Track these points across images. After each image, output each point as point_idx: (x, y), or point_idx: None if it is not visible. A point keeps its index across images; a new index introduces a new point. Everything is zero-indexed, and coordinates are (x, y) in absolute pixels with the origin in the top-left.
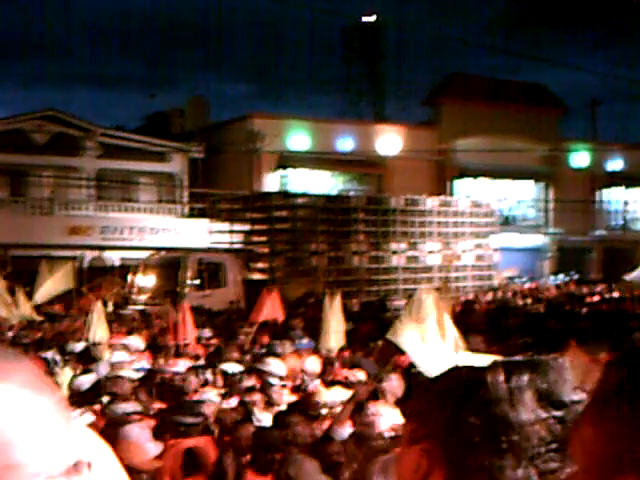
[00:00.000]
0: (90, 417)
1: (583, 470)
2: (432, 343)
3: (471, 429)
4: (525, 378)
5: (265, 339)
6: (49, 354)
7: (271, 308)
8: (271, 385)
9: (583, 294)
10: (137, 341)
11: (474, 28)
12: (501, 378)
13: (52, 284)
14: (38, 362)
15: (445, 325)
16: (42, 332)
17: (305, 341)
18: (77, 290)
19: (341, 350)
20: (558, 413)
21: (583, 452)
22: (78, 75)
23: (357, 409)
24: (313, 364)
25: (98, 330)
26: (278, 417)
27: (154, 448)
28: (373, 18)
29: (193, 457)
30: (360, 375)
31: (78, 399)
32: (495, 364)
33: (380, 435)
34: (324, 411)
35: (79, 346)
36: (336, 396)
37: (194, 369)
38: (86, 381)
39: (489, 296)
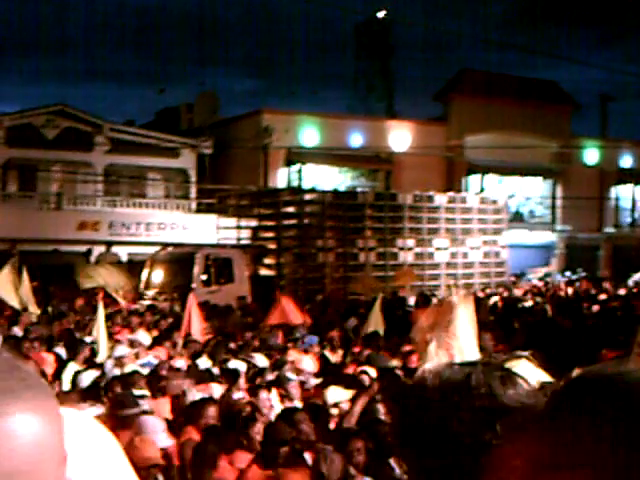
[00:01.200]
0: (98, 410)
1: None
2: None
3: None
4: (456, 381)
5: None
6: (59, 350)
7: (286, 311)
8: (288, 380)
9: (595, 292)
10: (144, 336)
11: (484, 24)
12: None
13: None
14: (50, 357)
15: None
16: (50, 328)
17: (309, 338)
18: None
19: (348, 346)
20: (493, 417)
21: (504, 470)
22: (88, 70)
23: (367, 408)
24: (309, 363)
25: (99, 327)
26: (284, 414)
27: (165, 440)
28: (384, 14)
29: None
30: (371, 372)
31: (83, 393)
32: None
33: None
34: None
35: (87, 342)
36: (339, 395)
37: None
38: (91, 376)
39: (499, 293)
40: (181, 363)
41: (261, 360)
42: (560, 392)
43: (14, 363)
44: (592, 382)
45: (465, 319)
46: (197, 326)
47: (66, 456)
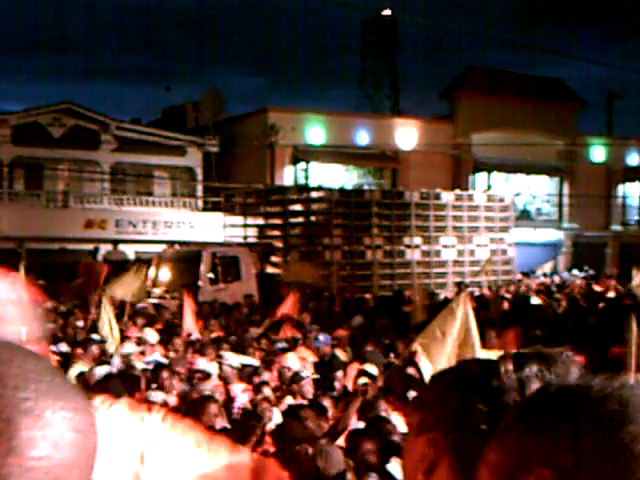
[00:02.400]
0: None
1: None
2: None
3: (479, 417)
4: (534, 369)
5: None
6: (62, 347)
7: (291, 306)
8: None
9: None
10: (152, 334)
11: (490, 22)
12: (511, 368)
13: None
14: (53, 355)
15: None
16: (55, 325)
17: (324, 337)
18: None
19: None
20: None
21: (488, 469)
22: (95, 69)
23: (367, 404)
24: (294, 361)
25: (106, 325)
26: (290, 411)
27: None
28: (390, 12)
29: None
30: (372, 369)
31: (91, 390)
32: (506, 354)
33: (393, 429)
34: None
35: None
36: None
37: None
38: (100, 373)
39: (507, 291)
40: (204, 363)
41: (233, 358)
42: (528, 402)
43: (53, 366)
44: (559, 394)
45: (463, 320)
46: (191, 324)
47: (95, 457)
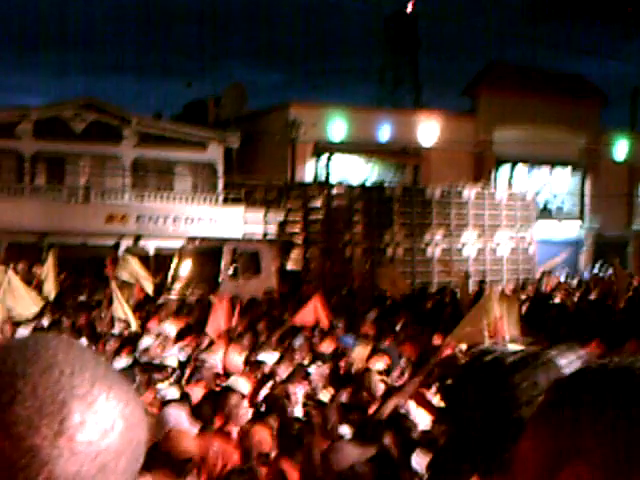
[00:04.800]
0: None
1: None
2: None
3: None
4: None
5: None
6: (82, 341)
7: (316, 313)
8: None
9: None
10: (172, 328)
11: (512, 17)
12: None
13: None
14: None
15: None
16: (75, 319)
17: (348, 339)
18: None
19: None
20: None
21: (521, 462)
22: (116, 64)
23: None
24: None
25: (119, 309)
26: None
27: (192, 430)
28: (411, 7)
29: None
30: (380, 365)
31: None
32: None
33: (415, 426)
34: None
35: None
36: None
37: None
38: (119, 366)
39: (529, 288)
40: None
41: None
42: (563, 384)
43: (100, 357)
44: (594, 374)
45: (493, 314)
46: (221, 320)
47: (143, 450)
